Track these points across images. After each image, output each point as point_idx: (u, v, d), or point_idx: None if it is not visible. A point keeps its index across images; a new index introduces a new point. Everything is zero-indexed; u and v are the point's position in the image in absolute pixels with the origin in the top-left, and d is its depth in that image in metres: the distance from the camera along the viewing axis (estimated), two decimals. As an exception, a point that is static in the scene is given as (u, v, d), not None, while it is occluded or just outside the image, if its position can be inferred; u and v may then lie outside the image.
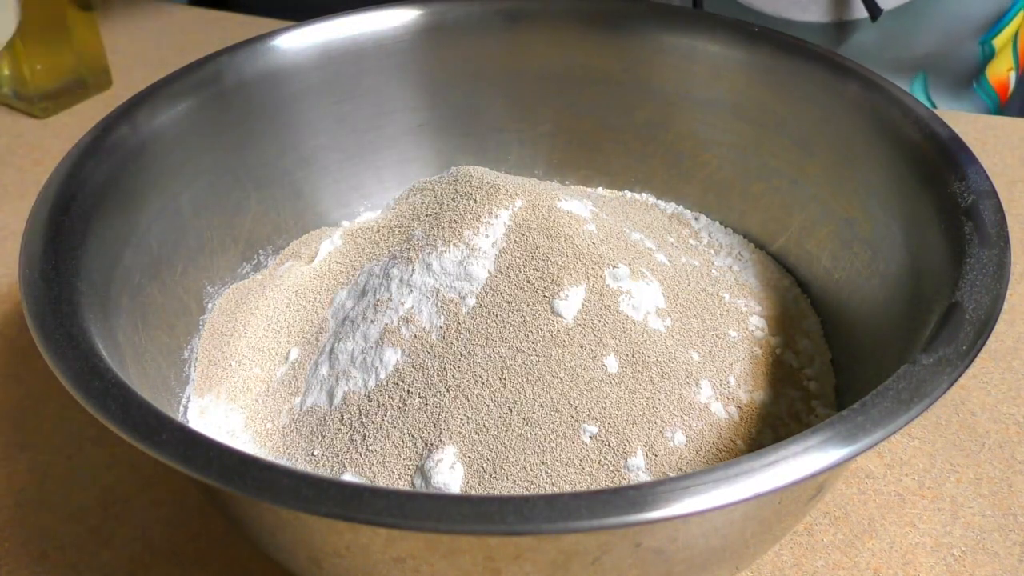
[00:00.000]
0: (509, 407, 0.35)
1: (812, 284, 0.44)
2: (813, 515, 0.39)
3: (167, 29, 0.75)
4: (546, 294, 0.36)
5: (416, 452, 0.34)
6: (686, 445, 0.35)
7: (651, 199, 0.49)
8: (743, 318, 0.41)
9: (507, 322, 0.36)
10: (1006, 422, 0.42)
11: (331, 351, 0.39)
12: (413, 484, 0.34)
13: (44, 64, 0.62)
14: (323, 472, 0.35)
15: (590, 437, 0.34)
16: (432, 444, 0.34)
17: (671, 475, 0.34)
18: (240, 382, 0.40)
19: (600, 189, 0.51)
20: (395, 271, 0.39)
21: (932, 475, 0.40)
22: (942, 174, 0.37)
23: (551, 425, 0.34)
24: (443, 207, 0.41)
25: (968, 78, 0.69)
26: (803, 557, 0.37)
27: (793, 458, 0.26)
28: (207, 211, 0.43)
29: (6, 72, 0.63)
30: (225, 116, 0.44)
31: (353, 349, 0.38)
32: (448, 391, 0.35)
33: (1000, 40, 0.68)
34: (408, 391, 0.36)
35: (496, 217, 0.38)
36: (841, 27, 0.65)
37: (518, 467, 0.34)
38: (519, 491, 0.33)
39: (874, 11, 0.62)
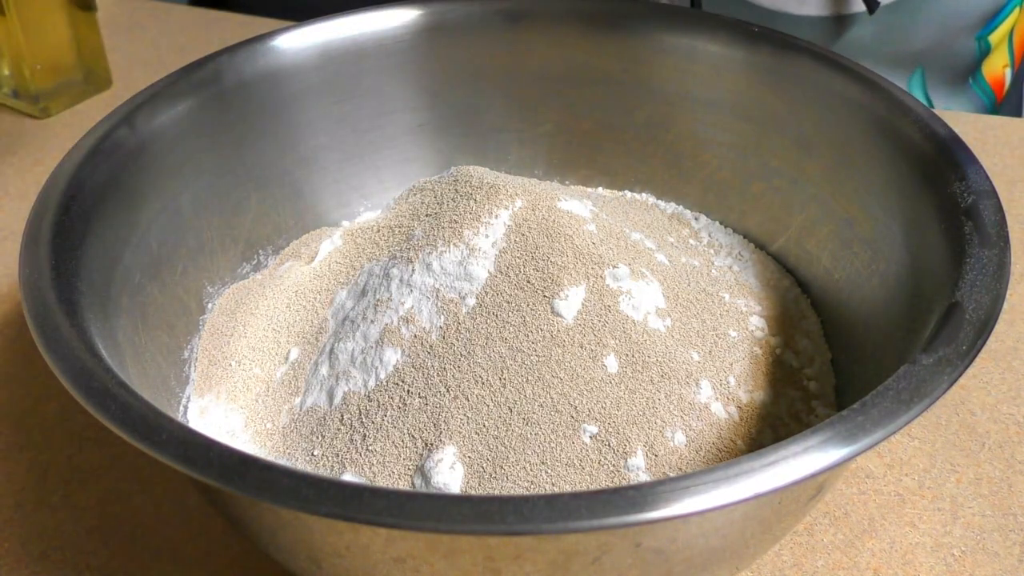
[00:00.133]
0: (509, 407, 0.35)
1: (812, 284, 0.44)
2: (813, 515, 0.39)
3: (167, 29, 0.75)
4: (546, 294, 0.36)
5: (416, 452, 0.35)
6: (686, 445, 0.35)
7: (651, 199, 0.49)
8: (743, 318, 0.41)
9: (507, 322, 0.36)
10: (1006, 422, 0.42)
11: (331, 351, 0.39)
12: (413, 484, 0.34)
13: (44, 64, 0.62)
14: (323, 472, 0.35)
15: (590, 437, 0.34)
16: (432, 444, 0.34)
17: (671, 475, 0.34)
18: (240, 382, 0.40)
19: (600, 189, 0.51)
20: (395, 271, 0.39)
21: (932, 475, 0.40)
22: (942, 174, 0.37)
23: (551, 425, 0.34)
24: (443, 207, 0.41)
25: (964, 74, 0.69)
26: (803, 557, 0.37)
27: (793, 458, 0.26)
28: (207, 211, 0.43)
29: (6, 72, 0.63)
30: (225, 116, 0.44)
31: (353, 349, 0.38)
32: (448, 391, 0.35)
33: (996, 36, 0.68)
34: (408, 391, 0.36)
35: (496, 217, 0.38)
36: (839, 21, 0.65)
37: (518, 467, 0.34)
38: (519, 491, 0.33)
39: (871, 5, 0.62)
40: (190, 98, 0.42)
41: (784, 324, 0.42)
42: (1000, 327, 0.47)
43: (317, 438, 0.36)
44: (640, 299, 0.37)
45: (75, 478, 0.41)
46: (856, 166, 0.41)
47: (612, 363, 0.36)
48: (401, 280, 0.38)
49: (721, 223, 0.48)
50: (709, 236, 0.47)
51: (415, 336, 0.37)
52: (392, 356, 0.37)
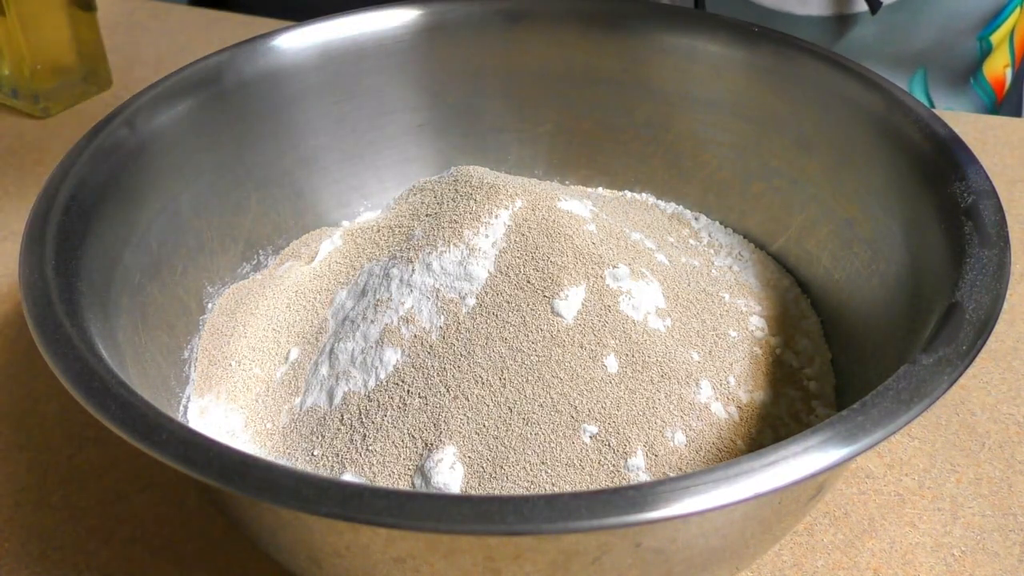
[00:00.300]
0: (509, 407, 0.35)
1: (812, 284, 0.44)
2: (813, 515, 0.39)
3: (167, 29, 0.75)
4: (546, 294, 0.36)
5: (416, 452, 0.35)
6: (686, 445, 0.35)
7: (651, 199, 0.49)
8: (743, 318, 0.41)
9: (507, 322, 0.36)
10: (1006, 422, 0.42)
11: (331, 351, 0.39)
12: (413, 484, 0.34)
13: (44, 64, 0.62)
14: (323, 472, 0.35)
15: (590, 437, 0.34)
16: (432, 444, 0.34)
17: (671, 475, 0.34)
18: (240, 382, 0.40)
19: (600, 189, 0.51)
20: (395, 271, 0.39)
21: (932, 475, 0.40)
22: (942, 174, 0.37)
23: (551, 425, 0.34)
24: (443, 207, 0.41)
25: (966, 74, 0.69)
26: (803, 557, 0.37)
27: (793, 458, 0.26)
28: (207, 211, 0.43)
29: (6, 72, 0.63)
30: (225, 116, 0.44)
31: (353, 349, 0.38)
32: (448, 391, 0.35)
33: (997, 36, 0.68)
34: (408, 391, 0.36)
35: (496, 217, 0.38)
36: (841, 21, 0.65)
37: (518, 467, 0.34)
38: (519, 491, 0.33)
39: (873, 4, 0.62)
40: (190, 98, 0.42)
41: (784, 324, 0.42)
42: (1000, 327, 0.47)
43: (317, 438, 0.37)
44: (640, 299, 0.37)
45: (75, 478, 0.41)
46: (856, 166, 0.41)
47: (612, 363, 0.36)
48: (401, 280, 0.38)
49: (721, 223, 0.48)
50: (709, 236, 0.47)
51: (415, 336, 0.37)
52: (392, 356, 0.37)
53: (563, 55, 0.49)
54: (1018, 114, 0.75)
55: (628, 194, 0.50)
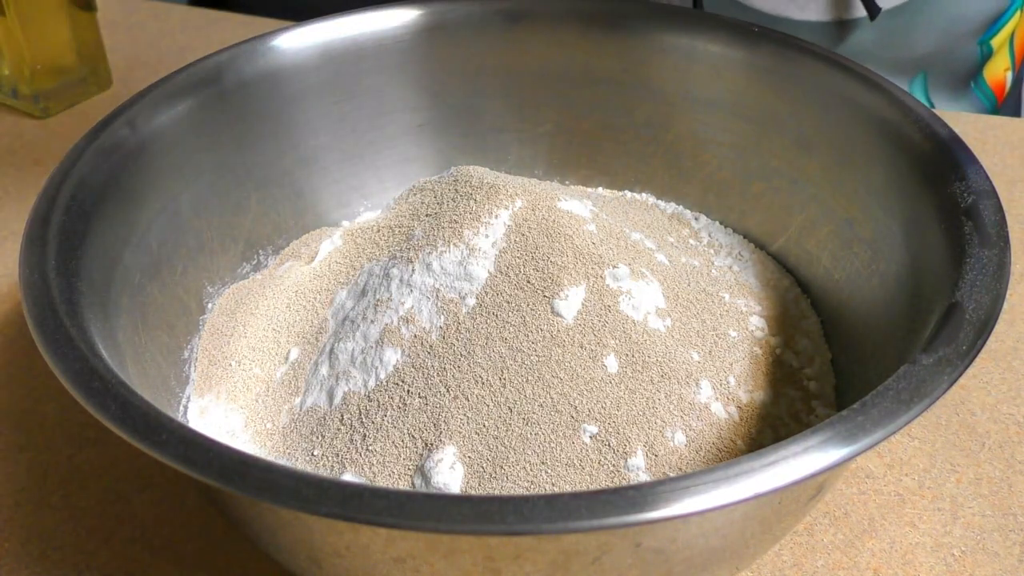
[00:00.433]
0: (509, 407, 0.35)
1: (812, 284, 0.44)
2: (813, 515, 0.39)
3: (167, 29, 0.75)
4: (546, 294, 0.36)
5: (416, 452, 0.35)
6: (686, 445, 0.35)
7: (651, 199, 0.49)
8: (743, 318, 0.41)
9: (507, 322, 0.36)
10: (1006, 422, 0.42)
11: (331, 351, 0.39)
12: (413, 484, 0.34)
13: (44, 64, 0.62)
14: (323, 472, 0.35)
15: (590, 437, 0.34)
16: (432, 444, 0.34)
17: (671, 475, 0.34)
18: (240, 382, 0.40)
19: (600, 189, 0.51)
20: (395, 271, 0.39)
21: (932, 475, 0.40)
22: (942, 174, 0.37)
23: (551, 425, 0.34)
24: (443, 207, 0.41)
25: (967, 78, 0.69)
26: (803, 557, 0.37)
27: (793, 458, 0.26)
28: (207, 211, 0.43)
29: (6, 72, 0.63)
30: (225, 116, 0.44)
31: (353, 349, 0.38)
32: (448, 391, 0.35)
33: (998, 40, 0.68)
34: (408, 391, 0.36)
35: (496, 217, 0.38)
36: (840, 26, 0.65)
37: (518, 467, 0.34)
38: (519, 491, 0.33)
39: (872, 10, 0.62)
40: (190, 98, 0.42)
41: (784, 324, 0.42)
42: (1000, 327, 0.47)
43: (317, 438, 0.37)
44: (640, 299, 0.37)
45: (75, 478, 0.41)
46: (856, 166, 0.41)
47: (612, 363, 0.36)
48: (401, 280, 0.38)
49: (721, 223, 0.48)
50: (709, 236, 0.47)
51: (415, 336, 0.37)
52: (392, 356, 0.37)
53: (563, 55, 0.49)
54: (1018, 115, 0.75)
55: (628, 194, 0.50)
